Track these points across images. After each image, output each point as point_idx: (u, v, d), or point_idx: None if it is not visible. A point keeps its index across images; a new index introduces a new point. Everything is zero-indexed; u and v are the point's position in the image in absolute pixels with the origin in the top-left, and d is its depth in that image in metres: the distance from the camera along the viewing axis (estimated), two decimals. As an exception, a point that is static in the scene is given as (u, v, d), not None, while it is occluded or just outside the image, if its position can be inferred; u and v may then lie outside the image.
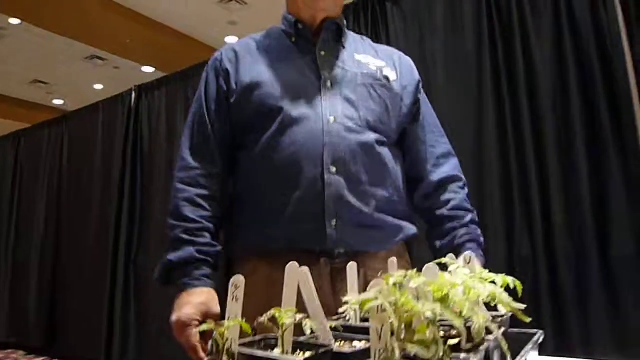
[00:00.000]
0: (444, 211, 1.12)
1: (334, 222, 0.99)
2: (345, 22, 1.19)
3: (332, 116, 1.02)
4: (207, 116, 1.11)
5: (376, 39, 2.68)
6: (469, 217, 1.12)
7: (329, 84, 1.07)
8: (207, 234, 1.04)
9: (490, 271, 1.03)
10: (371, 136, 1.05)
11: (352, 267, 0.82)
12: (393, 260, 0.87)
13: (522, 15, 2.30)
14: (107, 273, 3.75)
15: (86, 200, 4.22)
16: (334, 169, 1.00)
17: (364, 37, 1.26)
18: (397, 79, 1.14)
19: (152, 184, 3.84)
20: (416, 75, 1.21)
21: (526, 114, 2.23)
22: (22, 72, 8.32)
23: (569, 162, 2.12)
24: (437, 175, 1.15)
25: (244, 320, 0.78)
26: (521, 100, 2.26)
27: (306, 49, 1.12)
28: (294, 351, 0.59)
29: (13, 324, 4.65)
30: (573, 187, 2.10)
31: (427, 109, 1.22)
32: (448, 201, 1.13)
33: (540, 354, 2.14)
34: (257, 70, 1.09)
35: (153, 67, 7.77)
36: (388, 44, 2.64)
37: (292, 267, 0.67)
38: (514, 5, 2.31)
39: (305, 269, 0.65)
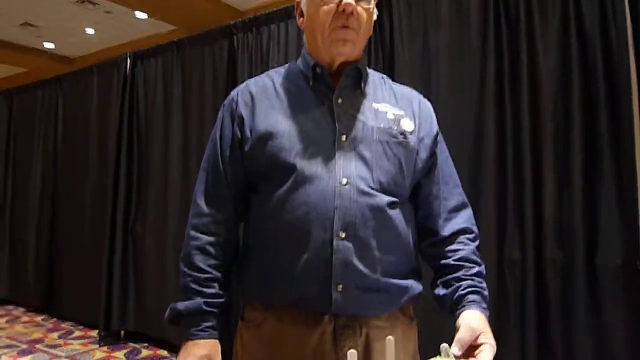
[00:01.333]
0: (450, 261, 1.09)
1: (340, 287, 0.99)
2: (366, 63, 1.16)
3: (345, 178, 1.01)
4: (221, 162, 1.11)
5: (380, 31, 2.63)
6: (475, 269, 1.08)
7: (344, 138, 1.05)
8: (215, 284, 1.07)
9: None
10: (384, 199, 1.03)
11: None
12: (391, 339, 0.91)
13: (530, 17, 2.24)
14: (105, 241, 3.80)
15: (82, 166, 4.22)
16: (343, 234, 0.99)
17: (385, 78, 1.21)
18: (414, 130, 1.11)
19: (148, 152, 3.83)
20: (435, 127, 1.18)
21: (526, 117, 2.23)
22: (12, 14, 8.02)
23: (564, 170, 2.15)
24: (448, 229, 1.12)
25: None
26: (522, 103, 2.25)
27: (323, 95, 1.10)
28: None
29: (13, 282, 4.77)
30: (566, 195, 2.14)
31: (443, 159, 1.18)
32: (456, 251, 1.09)
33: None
34: (273, 119, 1.07)
35: (146, 13, 7.50)
36: (391, 36, 2.59)
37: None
38: (522, 5, 2.25)
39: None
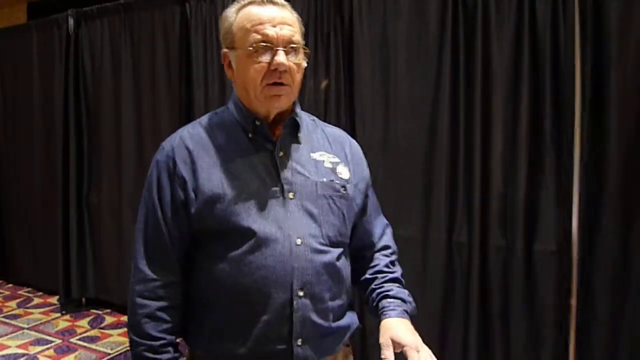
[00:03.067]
0: (366, 275, 1.21)
1: (299, 342, 1.05)
2: (298, 108, 1.16)
3: (299, 238, 1.04)
4: (163, 224, 1.06)
5: (340, 17, 2.61)
6: (387, 277, 1.19)
7: (290, 195, 1.07)
8: (170, 348, 1.07)
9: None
10: (334, 254, 1.09)
11: None
12: None
13: (486, 9, 2.29)
14: (58, 209, 3.75)
15: (27, 131, 4.05)
16: (301, 293, 1.04)
17: (316, 120, 1.24)
18: (350, 178, 1.16)
19: (98, 119, 3.71)
20: (366, 169, 1.25)
21: (478, 111, 2.34)
22: None
23: (510, 163, 2.30)
24: (372, 252, 1.25)
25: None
26: (475, 97, 2.34)
27: (263, 148, 1.10)
28: None
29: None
30: (510, 187, 2.31)
31: (371, 195, 1.25)
32: (373, 266, 1.22)
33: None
34: (217, 179, 1.05)
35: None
36: (351, 23, 2.58)
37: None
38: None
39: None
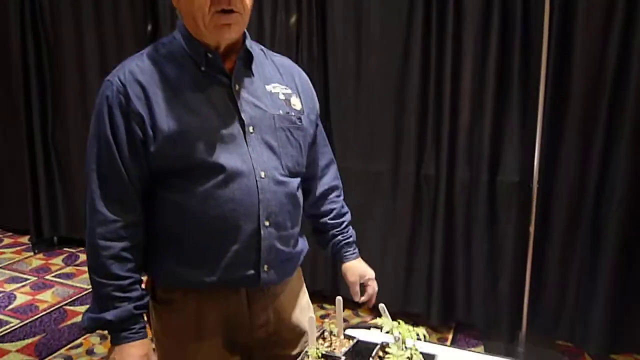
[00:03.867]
0: (327, 220, 1.34)
1: (266, 268, 1.10)
2: (249, 39, 1.12)
3: (263, 171, 1.07)
4: (121, 163, 1.02)
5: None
6: (344, 222, 1.36)
7: (251, 129, 1.07)
8: (138, 286, 1.07)
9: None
10: (294, 184, 1.15)
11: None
12: (339, 299, 1.17)
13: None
14: (23, 149, 3.66)
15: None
16: (267, 223, 1.08)
17: (265, 50, 1.22)
18: (302, 109, 1.18)
19: (60, 51, 3.56)
20: (315, 100, 1.27)
21: (449, 46, 2.38)
22: None
23: (478, 99, 2.38)
24: (321, 187, 1.33)
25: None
26: (446, 31, 2.37)
27: (218, 81, 1.07)
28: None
29: None
30: (478, 119, 2.40)
31: (319, 125, 1.30)
32: (331, 211, 1.34)
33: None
34: (175, 116, 1.01)
35: None
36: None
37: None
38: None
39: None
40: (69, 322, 2.77)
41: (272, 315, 1.19)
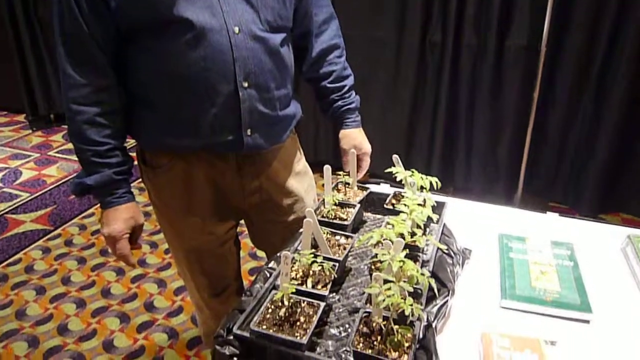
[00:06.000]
0: (326, 83, 1.25)
1: (249, 132, 1.06)
2: None
3: (236, 26, 0.98)
4: (83, 23, 0.95)
5: None
6: (346, 85, 1.27)
7: None
8: (118, 152, 1.05)
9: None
10: (276, 40, 1.05)
11: (327, 170, 1.11)
12: (353, 151, 1.20)
13: None
14: (7, 28, 3.47)
15: None
16: (246, 84, 1.01)
17: None
18: None
19: None
20: None
21: None
22: None
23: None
24: (319, 45, 1.22)
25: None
26: None
27: None
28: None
29: None
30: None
31: None
32: (330, 73, 1.24)
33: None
34: None
35: None
36: None
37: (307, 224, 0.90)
38: None
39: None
40: (78, 195, 2.84)
41: (265, 181, 1.18)
